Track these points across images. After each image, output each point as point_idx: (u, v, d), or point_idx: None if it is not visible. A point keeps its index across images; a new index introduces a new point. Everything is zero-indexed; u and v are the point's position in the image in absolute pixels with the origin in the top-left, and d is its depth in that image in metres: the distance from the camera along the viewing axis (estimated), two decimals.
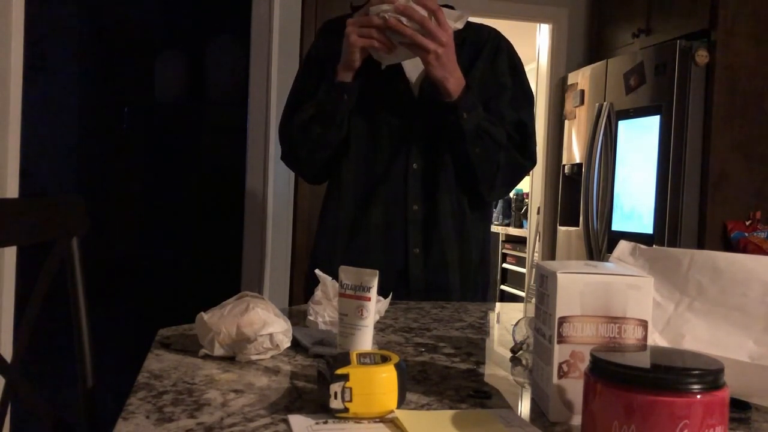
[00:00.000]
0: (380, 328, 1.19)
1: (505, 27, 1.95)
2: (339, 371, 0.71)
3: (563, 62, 4.31)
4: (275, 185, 3.49)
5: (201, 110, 4.25)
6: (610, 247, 2.74)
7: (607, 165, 3.63)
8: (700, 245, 3.14)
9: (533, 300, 0.82)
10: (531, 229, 4.60)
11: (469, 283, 1.60)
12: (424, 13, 1.36)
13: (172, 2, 4.30)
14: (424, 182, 1.55)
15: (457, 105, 1.43)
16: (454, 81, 1.42)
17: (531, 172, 4.44)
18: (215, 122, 4.14)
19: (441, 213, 1.55)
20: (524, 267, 4.96)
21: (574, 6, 4.33)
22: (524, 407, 0.78)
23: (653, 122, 3.27)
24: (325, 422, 0.70)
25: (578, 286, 0.72)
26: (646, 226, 3.30)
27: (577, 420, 0.71)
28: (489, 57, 1.58)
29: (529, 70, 2.85)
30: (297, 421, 0.70)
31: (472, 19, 1.59)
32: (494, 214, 5.86)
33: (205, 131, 4.21)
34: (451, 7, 1.54)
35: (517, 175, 1.61)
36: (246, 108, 3.48)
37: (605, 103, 3.63)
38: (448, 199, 1.56)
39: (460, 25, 1.48)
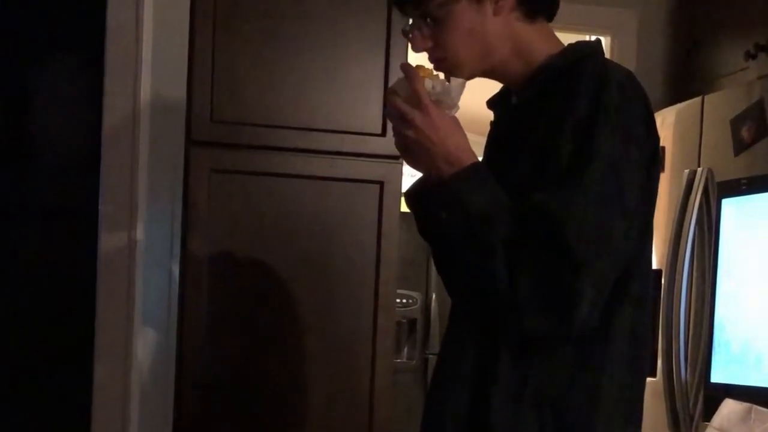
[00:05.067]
0: None
1: None
2: None
3: None
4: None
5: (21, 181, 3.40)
6: (709, 410, 2.64)
7: (702, 273, 3.03)
8: None
9: None
10: None
11: None
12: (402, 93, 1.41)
13: None
14: None
15: (431, 195, 1.50)
16: (435, 168, 1.45)
17: None
18: (45, 201, 3.27)
19: None
20: None
21: (648, 7, 3.55)
22: None
23: None
24: None
25: None
26: None
27: None
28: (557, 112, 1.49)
29: None
30: None
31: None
32: None
33: (28, 216, 3.34)
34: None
35: (552, 286, 1.38)
36: (98, 180, 2.69)
37: (700, 170, 3.00)
38: None
39: (449, 100, 1.44)
